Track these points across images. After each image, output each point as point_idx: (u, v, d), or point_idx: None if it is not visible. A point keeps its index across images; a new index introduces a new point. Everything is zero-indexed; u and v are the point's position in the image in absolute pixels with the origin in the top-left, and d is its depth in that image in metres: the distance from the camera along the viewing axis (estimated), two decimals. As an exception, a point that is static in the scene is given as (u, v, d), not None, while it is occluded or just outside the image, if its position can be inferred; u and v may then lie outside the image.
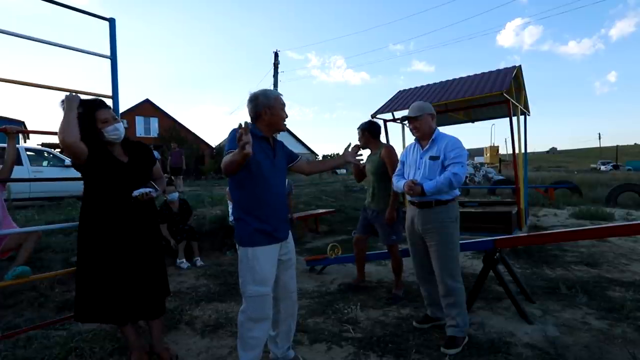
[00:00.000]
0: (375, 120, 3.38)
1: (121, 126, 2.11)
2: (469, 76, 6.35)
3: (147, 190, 2.07)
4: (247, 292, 1.99)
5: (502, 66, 7.20)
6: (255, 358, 2.02)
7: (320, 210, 7.36)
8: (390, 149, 3.27)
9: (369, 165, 3.38)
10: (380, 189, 3.31)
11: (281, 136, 2.48)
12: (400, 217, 3.28)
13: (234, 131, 1.95)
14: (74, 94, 2.05)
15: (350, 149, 2.33)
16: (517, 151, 5.40)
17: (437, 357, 2.29)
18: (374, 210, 3.37)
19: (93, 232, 2.06)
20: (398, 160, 3.25)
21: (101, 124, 2.04)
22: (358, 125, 3.38)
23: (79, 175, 2.11)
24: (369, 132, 3.34)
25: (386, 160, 3.22)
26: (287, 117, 2.11)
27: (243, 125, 1.61)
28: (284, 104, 2.09)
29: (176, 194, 4.98)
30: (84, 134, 2.03)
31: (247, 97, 2.09)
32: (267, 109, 2.02)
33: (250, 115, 2.08)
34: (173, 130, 24.89)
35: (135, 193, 2.03)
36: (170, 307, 3.05)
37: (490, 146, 25.87)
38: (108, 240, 2.05)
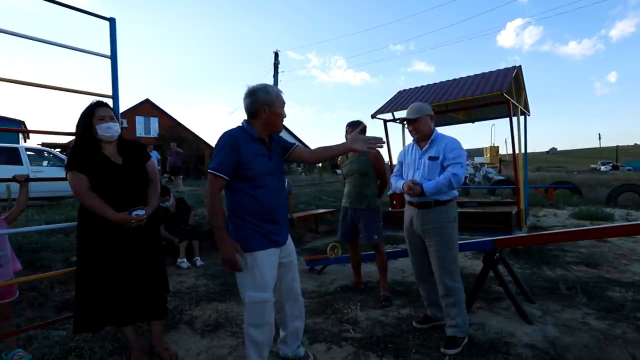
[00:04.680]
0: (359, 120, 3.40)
1: (116, 126, 2.12)
2: (469, 76, 6.36)
3: (141, 213, 2.05)
4: (247, 299, 1.94)
5: (502, 66, 7.21)
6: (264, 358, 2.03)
7: (320, 210, 7.36)
8: (380, 153, 3.37)
9: (357, 165, 3.38)
10: (367, 189, 3.36)
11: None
12: (381, 217, 3.41)
13: (228, 138, 1.87)
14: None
15: (361, 133, 1.98)
16: (517, 151, 5.41)
17: (437, 357, 2.29)
18: (357, 210, 3.38)
19: (91, 234, 2.06)
20: (385, 164, 3.41)
21: (97, 120, 2.07)
22: (347, 123, 3.37)
23: None
24: (362, 130, 3.26)
25: (376, 164, 3.36)
26: (285, 116, 1.97)
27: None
28: (284, 103, 1.96)
29: (170, 202, 4.98)
30: (81, 130, 2.08)
31: (244, 91, 1.94)
32: (266, 106, 1.88)
33: (246, 111, 1.94)
34: (173, 130, 24.90)
35: (133, 214, 2.03)
36: (170, 307, 3.05)
37: (490, 146, 25.85)
38: (106, 242, 2.05)
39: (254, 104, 1.90)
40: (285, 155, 2.09)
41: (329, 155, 2.11)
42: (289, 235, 2.15)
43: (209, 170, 1.85)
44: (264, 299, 1.93)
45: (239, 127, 1.97)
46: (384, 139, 2.08)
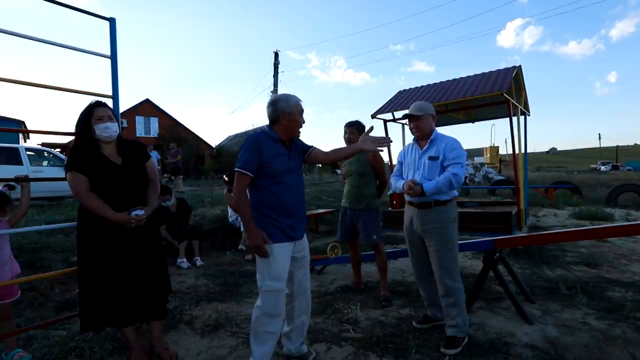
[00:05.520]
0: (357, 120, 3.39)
1: (114, 126, 2.12)
2: (469, 76, 6.35)
3: (140, 213, 2.06)
4: (263, 287, 2.07)
5: (502, 66, 7.20)
6: (269, 352, 2.09)
7: (320, 210, 7.36)
8: (379, 153, 3.29)
9: (355, 166, 3.38)
10: (366, 189, 3.36)
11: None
12: (380, 217, 3.41)
13: (251, 141, 2.04)
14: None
15: (370, 134, 2.16)
16: (517, 151, 5.40)
17: (437, 357, 2.29)
18: (356, 210, 3.38)
19: (91, 234, 2.06)
20: (384, 165, 3.40)
21: (95, 120, 2.08)
22: (345, 123, 3.37)
23: None
24: (358, 130, 3.29)
25: (375, 164, 3.34)
26: (304, 123, 2.16)
27: None
28: (302, 110, 2.15)
29: (171, 202, 4.99)
30: (80, 130, 2.08)
31: (267, 100, 2.15)
32: (285, 114, 2.08)
33: (268, 118, 2.14)
34: (173, 130, 24.89)
35: (132, 214, 2.04)
36: (170, 307, 3.05)
37: (490, 146, 25.87)
38: (106, 242, 2.05)
39: (275, 112, 2.10)
40: (304, 156, 2.27)
41: (341, 156, 2.37)
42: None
43: (235, 169, 2.04)
44: (279, 289, 2.07)
45: (261, 131, 2.16)
46: (391, 139, 2.23)
